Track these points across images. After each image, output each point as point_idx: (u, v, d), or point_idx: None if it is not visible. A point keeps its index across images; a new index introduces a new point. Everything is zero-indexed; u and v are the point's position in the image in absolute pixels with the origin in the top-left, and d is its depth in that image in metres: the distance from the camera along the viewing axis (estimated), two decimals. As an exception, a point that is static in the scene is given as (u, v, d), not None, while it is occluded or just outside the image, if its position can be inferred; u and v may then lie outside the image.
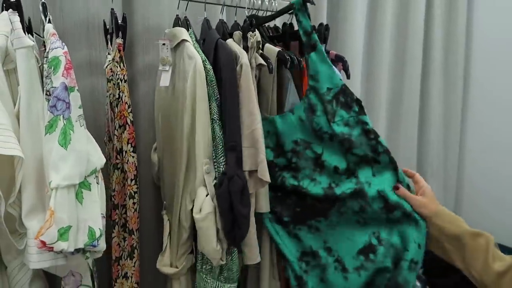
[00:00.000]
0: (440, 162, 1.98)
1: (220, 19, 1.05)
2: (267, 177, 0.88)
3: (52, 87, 0.68)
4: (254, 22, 0.95)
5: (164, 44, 0.97)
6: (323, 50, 0.94)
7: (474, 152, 2.01)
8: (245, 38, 0.92)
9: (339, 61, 1.06)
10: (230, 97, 0.83)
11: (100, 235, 0.73)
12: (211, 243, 0.86)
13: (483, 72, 1.96)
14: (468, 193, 2.05)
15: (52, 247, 0.65)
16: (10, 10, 0.73)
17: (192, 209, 0.89)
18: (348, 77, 1.06)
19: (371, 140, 0.93)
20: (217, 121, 0.85)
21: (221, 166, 0.87)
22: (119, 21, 0.89)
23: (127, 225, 0.89)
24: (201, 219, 0.86)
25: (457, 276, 1.81)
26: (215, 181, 0.87)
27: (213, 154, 0.87)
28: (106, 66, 0.96)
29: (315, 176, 0.95)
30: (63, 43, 0.70)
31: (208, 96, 0.84)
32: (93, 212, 0.73)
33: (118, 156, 0.86)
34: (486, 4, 1.92)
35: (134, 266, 0.89)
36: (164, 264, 0.97)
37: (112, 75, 0.89)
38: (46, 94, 0.69)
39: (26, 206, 0.70)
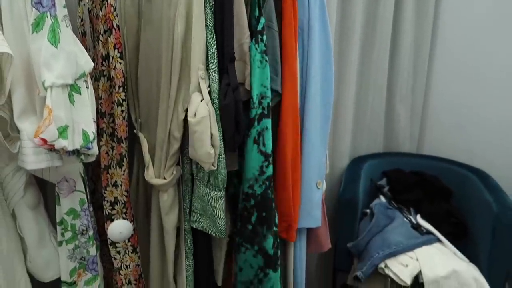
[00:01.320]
0: (409, 88, 2.07)
1: None
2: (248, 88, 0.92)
3: (35, -18, 0.66)
4: None
5: None
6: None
7: (440, 80, 2.09)
8: None
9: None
10: (228, 7, 0.84)
11: (94, 139, 0.76)
12: (205, 146, 0.89)
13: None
14: (432, 117, 2.15)
15: (53, 145, 0.66)
16: None
17: (184, 119, 0.91)
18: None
19: None
20: (209, 27, 0.86)
21: (211, 73, 0.88)
22: None
23: (115, 133, 0.90)
24: (196, 123, 0.88)
25: (419, 191, 1.98)
26: (208, 88, 0.89)
27: (205, 61, 0.89)
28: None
29: None
30: None
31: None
32: (85, 115, 0.74)
33: (103, 62, 0.85)
34: None
35: (123, 175, 0.93)
36: (151, 177, 1.01)
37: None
38: (28, -9, 0.67)
39: (17, 108, 0.70)
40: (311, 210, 1.12)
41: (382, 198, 1.87)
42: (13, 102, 0.70)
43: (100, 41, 0.83)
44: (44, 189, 0.93)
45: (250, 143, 0.94)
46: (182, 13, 0.86)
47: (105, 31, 0.83)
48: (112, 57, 0.82)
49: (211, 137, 0.90)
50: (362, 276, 1.52)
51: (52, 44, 0.66)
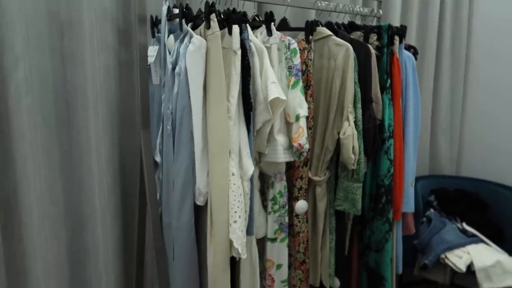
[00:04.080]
0: (448, 123, 2.60)
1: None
2: (380, 119, 1.55)
3: (294, 64, 1.28)
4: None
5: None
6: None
7: (472, 116, 2.62)
8: (367, 37, 1.54)
9: (411, 48, 1.71)
10: (369, 71, 1.47)
11: (307, 142, 1.36)
12: (349, 153, 1.48)
13: (480, 55, 2.52)
14: (467, 145, 2.65)
15: (303, 146, 1.26)
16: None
17: (338, 139, 1.51)
18: (416, 59, 1.71)
19: None
20: (356, 82, 1.48)
21: (357, 110, 1.49)
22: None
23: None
24: (345, 138, 1.48)
25: (462, 205, 2.48)
26: (354, 119, 1.50)
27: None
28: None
29: None
30: (295, 40, 1.31)
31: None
32: (306, 131, 1.35)
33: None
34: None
35: (306, 171, 1.53)
36: (312, 175, 1.59)
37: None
38: (288, 68, 1.30)
39: (276, 128, 1.31)
40: (408, 201, 1.70)
41: (432, 210, 2.36)
42: (274, 125, 1.30)
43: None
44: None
45: (382, 153, 1.55)
46: (340, 75, 1.48)
47: (304, 87, 1.45)
48: (309, 102, 1.44)
49: (353, 148, 1.50)
50: (429, 264, 1.99)
51: (302, 95, 1.28)
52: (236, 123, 1.17)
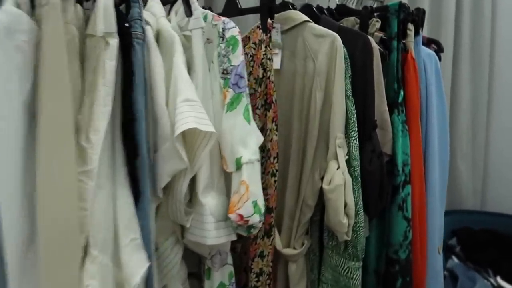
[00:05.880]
0: (469, 145, 2.11)
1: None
2: (389, 153, 0.94)
3: (231, 65, 0.69)
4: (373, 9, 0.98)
5: (274, 27, 1.00)
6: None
7: (500, 135, 2.14)
8: (365, 25, 0.95)
9: (432, 43, 1.12)
10: (370, 78, 0.88)
11: (265, 211, 0.76)
12: (338, 215, 0.88)
13: (508, 57, 2.08)
14: (493, 172, 2.17)
15: (248, 220, 0.67)
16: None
17: (321, 188, 0.92)
18: (439, 59, 1.12)
19: None
20: (349, 97, 0.89)
21: (352, 141, 0.90)
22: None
23: (267, 203, 0.90)
24: (331, 191, 0.88)
25: (493, 251, 1.94)
26: (346, 156, 0.90)
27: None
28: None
29: None
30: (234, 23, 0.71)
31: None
32: (259, 187, 0.75)
33: (259, 134, 0.88)
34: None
35: (270, 245, 0.92)
36: (280, 246, 0.99)
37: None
38: (223, 73, 0.71)
39: (202, 183, 0.71)
40: (436, 282, 1.10)
41: (455, 259, 1.85)
42: (198, 177, 0.71)
43: (256, 115, 0.86)
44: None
45: (395, 209, 0.94)
46: (321, 84, 0.90)
47: (262, 105, 0.86)
48: (270, 130, 0.85)
49: (345, 206, 0.90)
50: None
51: (247, 122, 0.68)
52: (104, 186, 0.58)
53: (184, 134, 0.62)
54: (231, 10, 0.94)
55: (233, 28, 0.70)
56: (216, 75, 0.71)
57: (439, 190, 1.09)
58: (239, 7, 0.94)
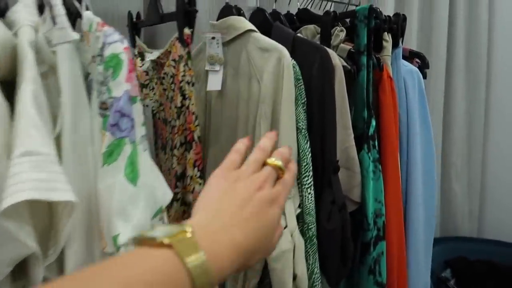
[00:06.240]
0: (464, 164, 1.98)
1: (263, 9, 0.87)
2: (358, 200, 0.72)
3: (111, 97, 0.47)
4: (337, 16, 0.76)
5: (213, 38, 0.78)
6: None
7: (498, 150, 1.99)
8: (326, 35, 0.74)
9: (415, 57, 0.91)
10: (330, 104, 0.66)
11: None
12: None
13: (506, 67, 1.95)
14: (493, 192, 2.03)
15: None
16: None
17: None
18: (424, 76, 0.91)
19: None
20: (303, 132, 0.67)
21: (305, 190, 0.68)
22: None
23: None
24: (274, 259, 0.67)
25: (491, 284, 1.78)
26: (298, 209, 0.68)
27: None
28: (141, 66, 0.75)
29: None
30: (122, 36, 0.49)
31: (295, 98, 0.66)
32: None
33: (177, 183, 0.66)
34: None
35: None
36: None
37: (156, 79, 0.69)
38: (101, 108, 0.48)
39: (70, 266, 0.49)
40: None
41: None
42: (66, 258, 0.49)
43: (174, 156, 0.64)
44: None
45: (364, 274, 0.73)
46: (267, 112, 0.68)
47: (181, 144, 0.64)
48: (191, 177, 0.63)
49: (295, 278, 0.69)
50: None
51: (130, 182, 0.46)
52: None
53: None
54: (152, 16, 0.72)
55: (115, 42, 0.48)
56: (95, 111, 0.49)
57: (424, 245, 0.88)
58: (160, 12, 0.72)
